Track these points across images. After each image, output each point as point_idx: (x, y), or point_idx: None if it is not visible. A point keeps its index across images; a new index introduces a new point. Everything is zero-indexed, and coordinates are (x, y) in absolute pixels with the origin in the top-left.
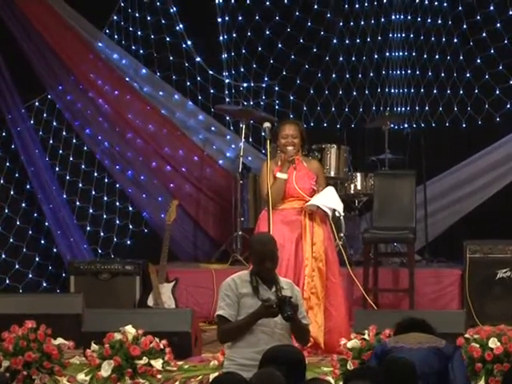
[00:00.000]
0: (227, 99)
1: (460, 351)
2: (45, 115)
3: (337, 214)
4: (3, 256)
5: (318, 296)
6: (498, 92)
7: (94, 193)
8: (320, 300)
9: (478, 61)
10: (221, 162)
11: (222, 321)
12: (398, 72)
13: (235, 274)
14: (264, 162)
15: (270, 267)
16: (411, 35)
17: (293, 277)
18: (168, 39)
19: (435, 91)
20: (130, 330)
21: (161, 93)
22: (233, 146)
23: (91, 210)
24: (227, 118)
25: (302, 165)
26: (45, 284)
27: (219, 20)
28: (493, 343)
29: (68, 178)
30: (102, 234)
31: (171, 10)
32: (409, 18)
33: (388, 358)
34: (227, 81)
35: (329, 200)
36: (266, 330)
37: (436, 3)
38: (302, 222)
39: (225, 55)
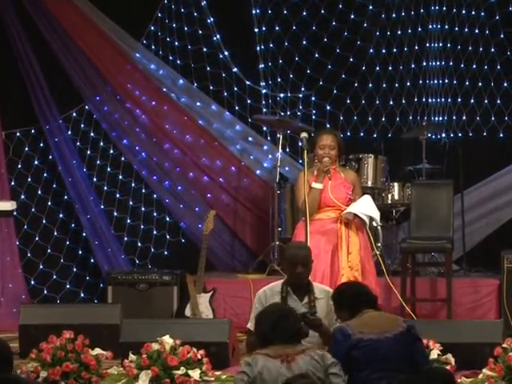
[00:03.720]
0: (264, 109)
1: (415, 329)
2: (82, 126)
3: (374, 223)
4: (41, 267)
5: None
6: None
7: (131, 203)
8: None
9: None
10: (258, 172)
11: (249, 333)
12: (435, 81)
13: (269, 284)
14: (300, 171)
15: (301, 272)
16: (448, 44)
17: (329, 287)
18: (205, 49)
19: (472, 101)
20: (168, 340)
21: (198, 103)
22: (270, 157)
23: (129, 221)
24: (264, 128)
25: (338, 175)
26: (82, 294)
27: (256, 30)
28: None
29: (105, 188)
30: (139, 244)
31: (208, 21)
32: (446, 27)
33: (427, 370)
34: (264, 91)
35: (366, 208)
36: None
37: (473, 13)
38: (338, 231)
39: (262, 65)
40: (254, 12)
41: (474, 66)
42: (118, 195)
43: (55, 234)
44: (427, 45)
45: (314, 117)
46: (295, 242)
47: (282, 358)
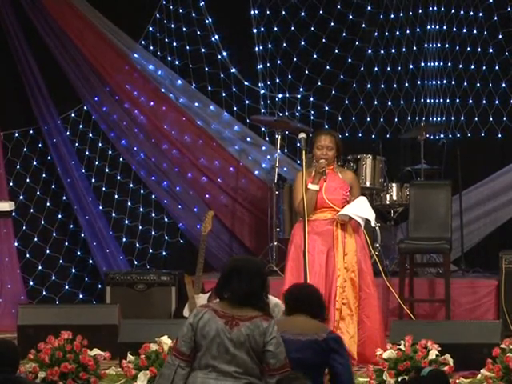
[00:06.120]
0: (262, 110)
1: (337, 343)
2: (81, 126)
3: (373, 224)
4: (40, 267)
5: (350, 307)
6: None
7: (129, 204)
8: (352, 311)
9: None
10: (256, 172)
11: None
12: (434, 82)
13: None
14: (298, 172)
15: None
16: (447, 45)
17: (324, 287)
18: (203, 50)
19: (471, 101)
20: (166, 340)
21: (196, 104)
22: (268, 157)
23: (127, 221)
24: (263, 128)
25: (335, 176)
26: (81, 295)
27: (255, 31)
28: None
29: (104, 189)
30: (137, 245)
31: (206, 21)
32: (444, 27)
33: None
34: (262, 91)
35: (360, 209)
36: None
37: (471, 13)
38: (333, 233)
39: (260, 66)
40: (252, 12)
41: (473, 67)
42: (116, 196)
43: (54, 234)
44: (425, 45)
45: (312, 117)
46: None
47: (226, 320)
